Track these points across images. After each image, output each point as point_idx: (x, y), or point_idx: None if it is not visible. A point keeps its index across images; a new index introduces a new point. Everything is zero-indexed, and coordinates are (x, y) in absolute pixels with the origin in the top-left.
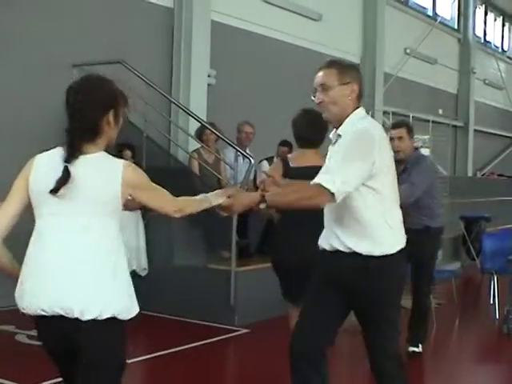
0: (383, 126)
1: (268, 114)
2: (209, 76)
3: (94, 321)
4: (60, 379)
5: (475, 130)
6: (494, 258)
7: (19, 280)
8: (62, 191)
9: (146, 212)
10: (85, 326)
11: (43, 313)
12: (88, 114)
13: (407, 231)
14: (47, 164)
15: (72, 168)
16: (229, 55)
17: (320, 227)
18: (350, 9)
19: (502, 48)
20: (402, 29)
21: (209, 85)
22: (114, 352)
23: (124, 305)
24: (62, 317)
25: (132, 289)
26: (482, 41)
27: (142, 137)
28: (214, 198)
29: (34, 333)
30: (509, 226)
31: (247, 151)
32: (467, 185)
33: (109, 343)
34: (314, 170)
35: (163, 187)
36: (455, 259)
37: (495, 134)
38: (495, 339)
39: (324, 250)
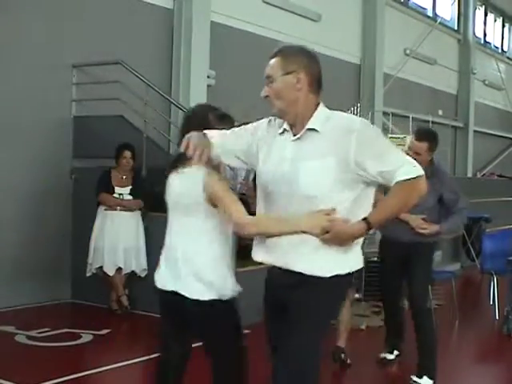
0: (383, 127)
1: (267, 114)
2: (208, 77)
3: None
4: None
5: (475, 131)
6: (493, 258)
7: None
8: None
9: (146, 213)
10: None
11: None
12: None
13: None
14: None
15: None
16: (228, 56)
17: None
18: (349, 9)
19: (502, 49)
20: (402, 29)
21: (208, 85)
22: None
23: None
24: None
25: None
26: (482, 41)
27: (141, 137)
28: (306, 223)
29: (33, 333)
30: (509, 226)
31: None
32: (467, 185)
33: None
34: None
35: (163, 188)
36: (455, 260)
37: (495, 135)
38: (495, 340)
39: None
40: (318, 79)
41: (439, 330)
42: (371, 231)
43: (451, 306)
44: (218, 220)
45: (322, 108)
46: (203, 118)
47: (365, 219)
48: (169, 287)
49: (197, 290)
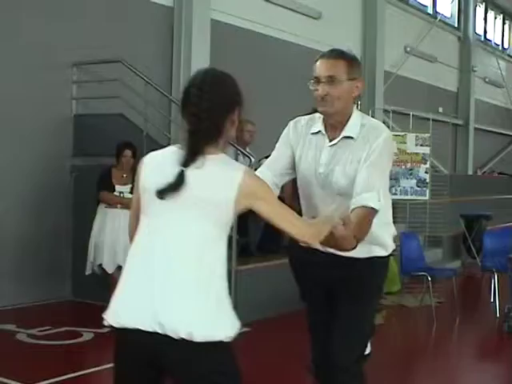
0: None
1: (268, 112)
2: None
3: None
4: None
5: (475, 129)
6: (494, 256)
7: None
8: (169, 195)
9: None
10: None
11: None
12: (216, 114)
13: None
14: (160, 162)
15: (188, 172)
16: (228, 54)
17: None
18: (349, 7)
19: (503, 46)
20: (402, 27)
21: None
22: None
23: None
24: None
25: None
26: (483, 39)
27: (142, 136)
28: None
29: (34, 332)
30: (509, 224)
31: (247, 150)
32: (467, 183)
33: None
34: None
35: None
36: (456, 257)
37: (495, 132)
38: (496, 337)
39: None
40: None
41: (439, 328)
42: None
43: (452, 304)
44: None
45: (356, 114)
46: (240, 93)
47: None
48: None
49: None
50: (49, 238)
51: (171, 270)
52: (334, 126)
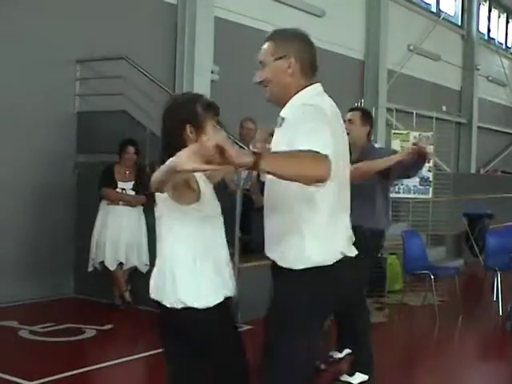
0: (387, 123)
1: (272, 109)
2: (212, 72)
3: None
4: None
5: (478, 127)
6: (497, 255)
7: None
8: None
9: (148, 209)
10: None
11: None
12: (170, 133)
13: None
14: None
15: None
16: (232, 51)
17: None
18: (353, 5)
19: (506, 45)
20: (406, 25)
21: (212, 81)
22: None
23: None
24: None
25: None
26: (486, 37)
27: (145, 133)
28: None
29: (36, 328)
30: None
31: (250, 147)
32: (470, 182)
33: None
34: None
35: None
36: (458, 256)
37: (499, 131)
38: (498, 336)
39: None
40: (311, 63)
41: (442, 326)
42: (255, 171)
43: (454, 302)
44: None
45: (300, 94)
46: (192, 111)
47: (258, 154)
48: None
49: None
50: (52, 234)
51: None
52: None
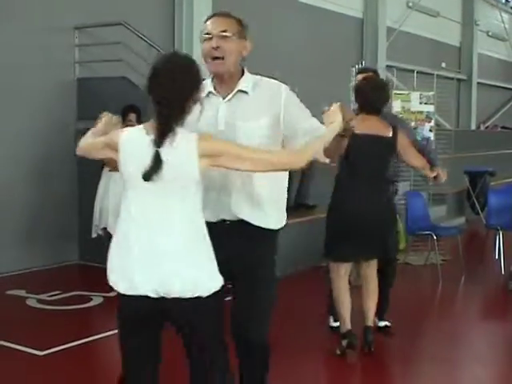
0: (388, 82)
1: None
2: None
3: None
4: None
5: (478, 83)
6: (499, 214)
7: None
8: (154, 177)
9: None
10: None
11: None
12: (185, 99)
13: None
14: (135, 146)
15: (162, 152)
16: (232, 9)
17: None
18: None
19: None
20: None
21: None
22: None
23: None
24: None
25: None
26: None
27: (145, 98)
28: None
29: (44, 297)
30: None
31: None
32: (471, 138)
33: None
34: (380, 141)
35: None
36: (460, 214)
37: (498, 87)
38: (501, 295)
39: None
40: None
41: (445, 286)
42: None
43: (457, 262)
44: None
45: (248, 73)
46: (200, 77)
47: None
48: None
49: None
50: (55, 202)
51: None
52: (226, 84)
